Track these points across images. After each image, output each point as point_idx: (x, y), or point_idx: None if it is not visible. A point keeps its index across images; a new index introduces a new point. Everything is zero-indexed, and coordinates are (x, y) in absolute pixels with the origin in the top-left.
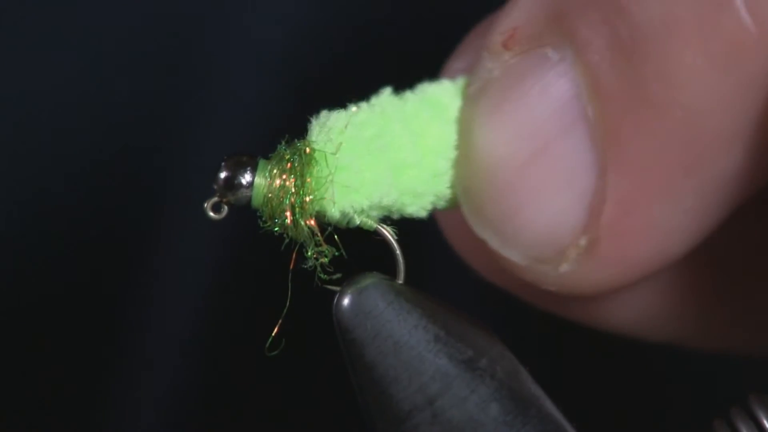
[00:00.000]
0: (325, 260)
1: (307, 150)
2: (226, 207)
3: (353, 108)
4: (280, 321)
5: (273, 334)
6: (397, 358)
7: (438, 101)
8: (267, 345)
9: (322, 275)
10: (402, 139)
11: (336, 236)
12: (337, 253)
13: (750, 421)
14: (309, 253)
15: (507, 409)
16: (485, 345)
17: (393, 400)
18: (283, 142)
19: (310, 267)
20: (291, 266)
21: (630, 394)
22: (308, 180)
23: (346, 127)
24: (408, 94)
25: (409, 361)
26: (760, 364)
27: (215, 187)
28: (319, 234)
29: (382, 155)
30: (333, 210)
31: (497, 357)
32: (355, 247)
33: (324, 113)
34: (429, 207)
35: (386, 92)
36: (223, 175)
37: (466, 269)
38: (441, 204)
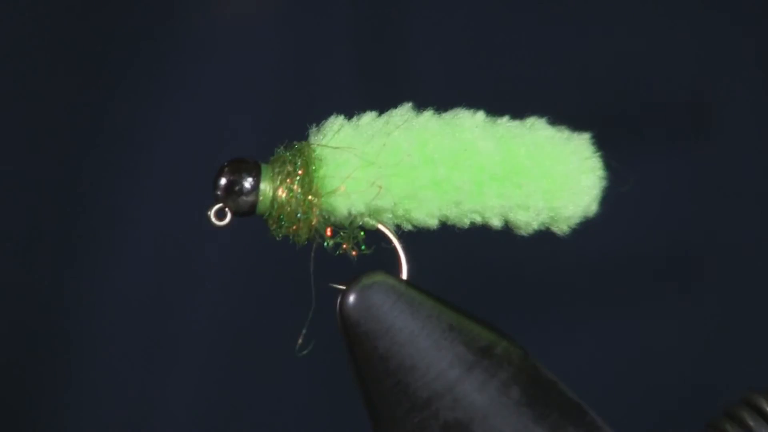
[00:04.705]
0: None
1: (311, 150)
2: (229, 214)
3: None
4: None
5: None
6: (414, 347)
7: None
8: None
9: (363, 247)
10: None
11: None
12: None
13: None
14: (327, 244)
15: (528, 392)
16: (495, 337)
17: (410, 388)
18: (282, 146)
19: (339, 253)
20: (311, 268)
21: (630, 396)
22: (315, 184)
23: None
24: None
25: (426, 349)
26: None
27: (217, 193)
28: (326, 232)
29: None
30: (343, 209)
31: (509, 346)
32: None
33: (333, 118)
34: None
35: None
36: (224, 181)
37: (467, 268)
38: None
